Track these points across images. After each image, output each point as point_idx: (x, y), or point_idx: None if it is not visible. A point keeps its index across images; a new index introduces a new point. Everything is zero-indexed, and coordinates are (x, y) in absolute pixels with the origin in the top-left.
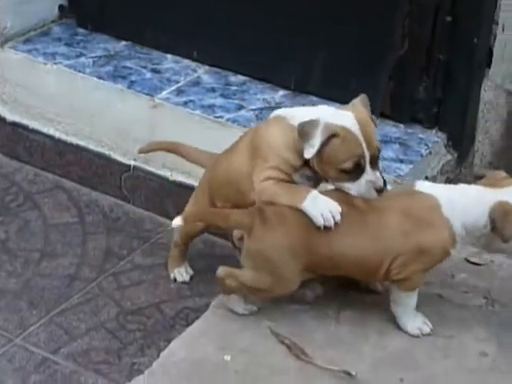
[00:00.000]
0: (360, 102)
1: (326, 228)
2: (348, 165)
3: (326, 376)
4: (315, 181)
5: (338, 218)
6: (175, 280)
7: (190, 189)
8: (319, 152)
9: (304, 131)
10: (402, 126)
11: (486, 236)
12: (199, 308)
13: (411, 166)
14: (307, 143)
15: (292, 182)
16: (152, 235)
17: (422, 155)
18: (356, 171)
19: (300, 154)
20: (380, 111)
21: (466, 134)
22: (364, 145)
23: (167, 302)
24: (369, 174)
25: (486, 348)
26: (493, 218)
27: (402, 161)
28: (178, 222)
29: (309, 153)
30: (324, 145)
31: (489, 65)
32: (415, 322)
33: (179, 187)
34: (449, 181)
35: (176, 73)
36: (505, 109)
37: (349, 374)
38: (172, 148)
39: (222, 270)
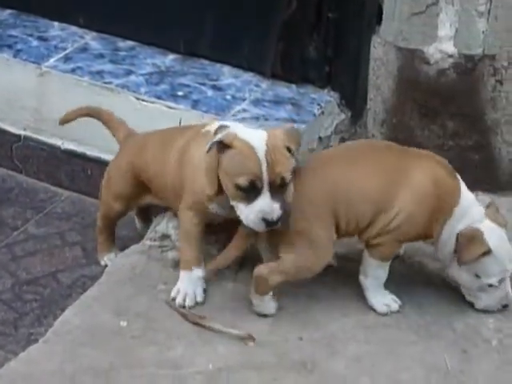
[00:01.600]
0: (284, 131)
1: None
2: (242, 181)
3: (225, 339)
4: (230, 209)
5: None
6: (106, 266)
7: (81, 157)
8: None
9: (215, 131)
10: (293, 86)
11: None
12: (96, 275)
13: (304, 125)
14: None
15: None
16: (46, 205)
17: (314, 115)
18: (251, 192)
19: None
20: (271, 72)
21: (358, 92)
22: (264, 167)
23: (63, 271)
24: (264, 201)
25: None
26: (458, 238)
27: (295, 121)
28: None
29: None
30: (220, 152)
31: (379, 22)
32: (383, 299)
33: (71, 155)
34: (343, 140)
35: (63, 40)
36: (395, 65)
37: (249, 336)
38: (93, 113)
39: (263, 269)
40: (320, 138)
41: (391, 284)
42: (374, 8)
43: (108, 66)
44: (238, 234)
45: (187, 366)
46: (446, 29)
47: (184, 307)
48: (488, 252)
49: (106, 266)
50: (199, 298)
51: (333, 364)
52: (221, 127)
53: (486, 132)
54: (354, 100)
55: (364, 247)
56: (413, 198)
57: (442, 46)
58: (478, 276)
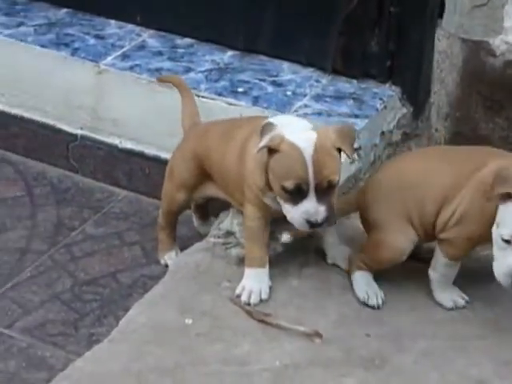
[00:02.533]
0: (335, 130)
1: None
2: (288, 184)
3: (291, 336)
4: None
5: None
6: (166, 266)
7: (139, 156)
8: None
9: (262, 130)
10: (354, 81)
11: None
12: (157, 275)
13: (367, 120)
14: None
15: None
16: (103, 205)
17: (377, 109)
18: (297, 195)
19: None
20: (332, 67)
21: (420, 86)
22: (310, 170)
23: (123, 271)
24: (309, 203)
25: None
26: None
27: (357, 116)
28: (287, 238)
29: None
30: (269, 154)
31: (441, 15)
32: (450, 294)
33: (129, 155)
34: (405, 135)
35: (120, 38)
36: (460, 57)
37: (316, 333)
38: (181, 88)
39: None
40: (383, 132)
41: (458, 278)
42: (436, 1)
43: (167, 64)
44: None
45: (253, 363)
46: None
47: (249, 304)
48: None
49: (166, 265)
50: (264, 296)
51: (401, 359)
52: (267, 125)
53: None
54: (416, 94)
55: (436, 243)
56: (474, 192)
57: (508, 38)
58: (497, 224)
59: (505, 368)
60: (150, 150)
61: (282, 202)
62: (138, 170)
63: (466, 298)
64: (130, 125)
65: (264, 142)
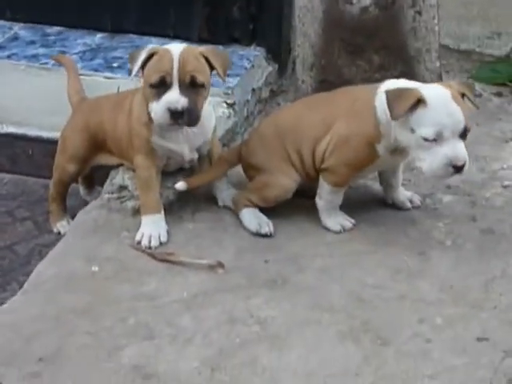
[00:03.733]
0: (206, 47)
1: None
2: (154, 78)
3: (194, 270)
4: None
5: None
6: (59, 233)
7: (21, 138)
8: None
9: (131, 56)
10: (221, 47)
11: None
12: (52, 243)
13: (238, 78)
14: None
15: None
16: None
17: (246, 68)
18: (161, 88)
19: None
20: (198, 37)
21: (282, 46)
22: (175, 65)
23: (18, 243)
24: (171, 93)
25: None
26: (386, 96)
27: (228, 75)
28: (182, 185)
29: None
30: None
31: None
32: (337, 218)
33: (11, 138)
34: (272, 92)
35: None
36: (320, 9)
37: (218, 264)
38: (66, 62)
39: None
40: (253, 89)
41: (342, 207)
42: None
43: (41, 50)
44: (218, 159)
45: (162, 296)
46: None
47: (150, 248)
48: (419, 101)
49: (59, 233)
50: (163, 238)
51: (302, 277)
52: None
53: (410, 61)
54: (279, 53)
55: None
56: (342, 122)
57: None
58: (413, 130)
59: (398, 275)
60: (32, 132)
61: (150, 105)
62: (22, 153)
63: (353, 220)
64: (10, 110)
65: (143, 54)
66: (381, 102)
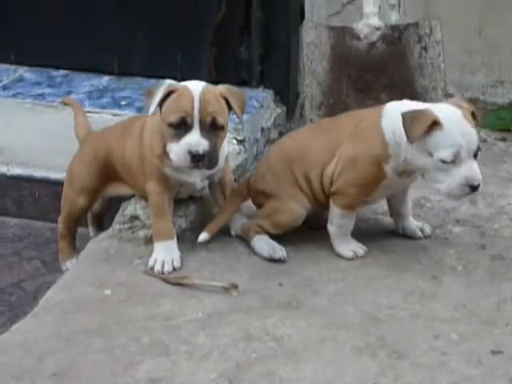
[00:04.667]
0: (225, 86)
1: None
2: (174, 118)
3: (209, 292)
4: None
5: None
6: None
7: (28, 180)
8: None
9: (147, 93)
10: None
11: (406, 148)
12: None
13: (248, 115)
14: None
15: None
16: None
17: (255, 107)
18: (181, 129)
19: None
20: (207, 78)
21: (291, 88)
22: (196, 105)
23: (26, 281)
24: (192, 136)
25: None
26: (402, 119)
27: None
28: (205, 236)
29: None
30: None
31: (301, 20)
32: (349, 245)
33: (17, 180)
34: (281, 134)
35: None
36: (328, 44)
37: (232, 285)
38: (71, 102)
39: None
40: (262, 128)
41: (353, 234)
42: (297, 5)
43: (47, 90)
44: (230, 196)
45: (177, 317)
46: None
47: (163, 273)
48: (435, 124)
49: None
50: (176, 264)
51: (317, 300)
52: (151, 88)
53: (417, 99)
54: (287, 96)
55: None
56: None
57: (370, 21)
58: (430, 154)
59: (411, 296)
60: (38, 173)
61: (169, 145)
62: (28, 195)
63: (365, 248)
64: (16, 150)
65: (161, 91)
66: (387, 123)
